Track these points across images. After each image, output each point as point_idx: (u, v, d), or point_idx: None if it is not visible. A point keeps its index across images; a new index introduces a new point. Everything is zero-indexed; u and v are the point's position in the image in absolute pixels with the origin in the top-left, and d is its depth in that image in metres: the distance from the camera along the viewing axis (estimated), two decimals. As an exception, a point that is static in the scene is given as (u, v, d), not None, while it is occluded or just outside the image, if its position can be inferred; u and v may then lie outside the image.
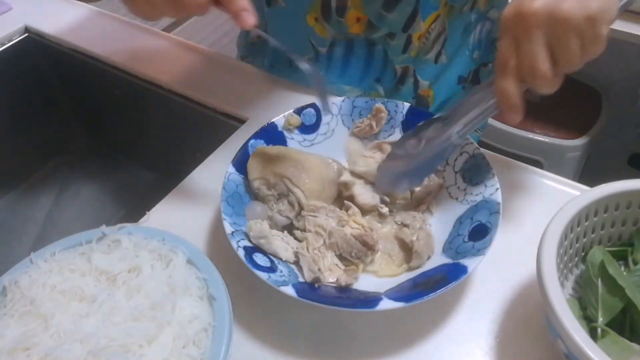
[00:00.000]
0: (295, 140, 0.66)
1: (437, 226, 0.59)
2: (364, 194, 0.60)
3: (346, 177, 0.60)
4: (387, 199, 0.61)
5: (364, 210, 0.60)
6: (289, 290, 0.49)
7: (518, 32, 0.47)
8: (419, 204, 0.61)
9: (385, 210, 0.60)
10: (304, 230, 0.57)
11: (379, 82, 0.77)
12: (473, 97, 0.53)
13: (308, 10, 0.71)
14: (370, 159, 0.63)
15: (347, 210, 0.59)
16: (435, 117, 0.56)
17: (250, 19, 0.51)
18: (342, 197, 0.60)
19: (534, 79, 0.47)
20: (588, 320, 0.48)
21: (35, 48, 0.95)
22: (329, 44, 0.74)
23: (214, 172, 0.67)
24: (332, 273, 0.54)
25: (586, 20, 0.44)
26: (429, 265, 0.55)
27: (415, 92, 0.78)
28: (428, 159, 0.56)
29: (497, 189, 0.56)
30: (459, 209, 0.58)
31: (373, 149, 0.65)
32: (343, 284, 0.53)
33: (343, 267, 0.55)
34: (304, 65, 0.55)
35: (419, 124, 0.58)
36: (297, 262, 0.56)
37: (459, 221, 0.58)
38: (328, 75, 0.77)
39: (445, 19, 0.73)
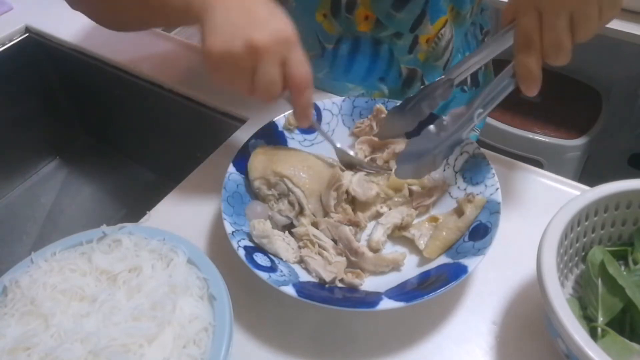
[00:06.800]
0: (295, 140, 0.66)
1: (437, 226, 0.59)
2: (360, 188, 0.60)
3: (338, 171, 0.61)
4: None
5: (362, 206, 0.60)
6: (289, 290, 0.49)
7: (543, 7, 0.47)
8: (419, 204, 0.61)
9: (384, 209, 0.60)
10: (302, 237, 0.57)
11: (383, 82, 0.77)
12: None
13: (317, 7, 0.71)
14: (359, 151, 0.66)
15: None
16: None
17: (309, 120, 0.56)
18: (339, 197, 0.61)
19: (557, 54, 0.48)
20: (588, 320, 0.48)
21: (36, 48, 0.95)
22: (336, 40, 0.74)
23: (214, 172, 0.67)
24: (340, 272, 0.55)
25: None
26: (429, 265, 0.55)
27: None
28: (448, 141, 0.57)
29: (497, 189, 0.56)
30: (459, 208, 0.58)
31: (362, 143, 0.66)
32: (355, 282, 0.53)
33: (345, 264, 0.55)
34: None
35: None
36: (297, 262, 0.56)
37: (459, 221, 0.58)
38: (332, 72, 0.77)
39: (452, 25, 0.73)
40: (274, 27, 0.50)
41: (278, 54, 0.50)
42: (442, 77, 0.60)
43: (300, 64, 0.51)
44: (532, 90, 0.52)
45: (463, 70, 0.59)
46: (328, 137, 0.62)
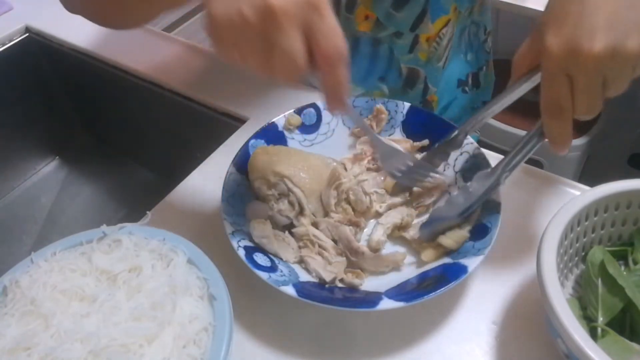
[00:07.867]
0: (295, 140, 0.66)
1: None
2: (358, 194, 0.60)
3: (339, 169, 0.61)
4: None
5: (360, 212, 0.60)
6: (290, 290, 0.49)
7: (575, 73, 0.44)
8: (419, 204, 0.61)
9: (383, 209, 0.60)
10: (302, 237, 0.58)
11: (383, 81, 0.77)
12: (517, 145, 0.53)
13: None
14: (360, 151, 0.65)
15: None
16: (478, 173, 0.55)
17: (343, 104, 0.45)
18: (340, 196, 0.61)
19: (589, 113, 0.46)
20: (588, 320, 0.48)
21: (36, 48, 0.95)
22: None
23: (214, 172, 0.67)
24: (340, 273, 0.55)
25: None
26: (429, 265, 0.55)
27: (424, 97, 0.78)
28: (474, 207, 0.55)
29: (497, 189, 0.56)
30: (459, 208, 0.58)
31: (363, 143, 0.66)
32: (355, 282, 0.53)
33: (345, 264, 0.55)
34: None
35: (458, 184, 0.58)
36: (297, 262, 0.56)
37: (459, 221, 0.58)
38: None
39: (454, 24, 0.73)
40: None
41: (300, 18, 0.40)
42: (456, 132, 0.58)
43: (330, 32, 0.41)
44: (563, 151, 0.49)
45: (474, 123, 0.57)
46: (366, 128, 0.56)
